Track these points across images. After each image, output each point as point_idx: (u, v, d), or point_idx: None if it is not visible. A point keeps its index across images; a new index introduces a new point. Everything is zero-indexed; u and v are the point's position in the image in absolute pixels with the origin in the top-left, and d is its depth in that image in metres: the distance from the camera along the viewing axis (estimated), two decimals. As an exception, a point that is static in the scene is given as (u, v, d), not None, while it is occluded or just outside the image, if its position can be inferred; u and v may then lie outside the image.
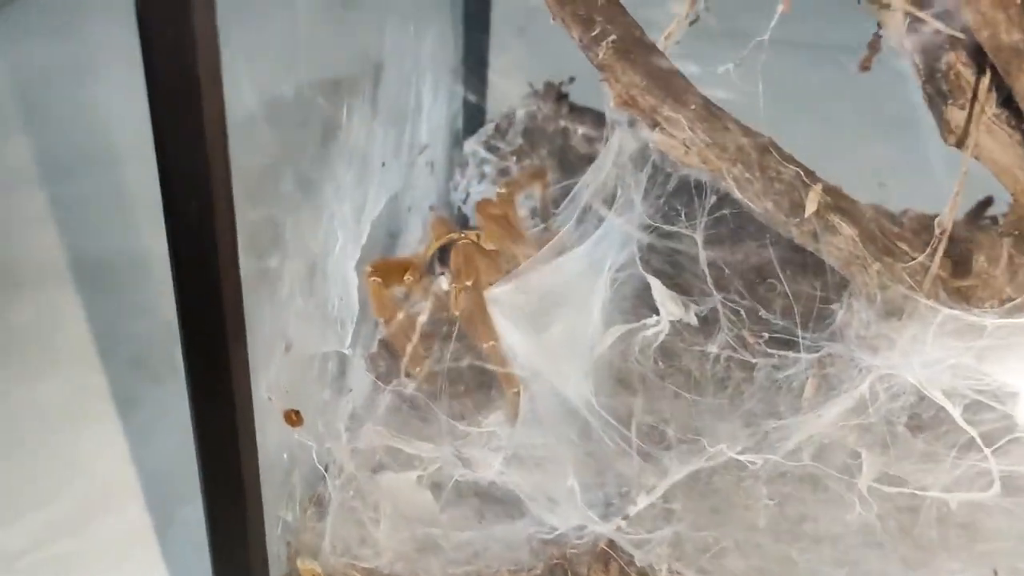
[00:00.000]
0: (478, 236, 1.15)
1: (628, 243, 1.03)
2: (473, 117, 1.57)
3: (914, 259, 0.93)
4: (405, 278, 1.11)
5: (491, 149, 1.49)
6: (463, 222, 1.47)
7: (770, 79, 0.88)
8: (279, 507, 0.90)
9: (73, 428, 1.26)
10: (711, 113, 0.90)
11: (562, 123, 1.52)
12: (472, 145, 1.50)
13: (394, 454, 1.01)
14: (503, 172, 1.46)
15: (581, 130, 1.51)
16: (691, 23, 1.16)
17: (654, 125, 0.91)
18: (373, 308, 1.08)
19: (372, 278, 1.06)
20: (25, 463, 1.21)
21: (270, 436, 0.86)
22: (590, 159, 1.53)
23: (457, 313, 1.08)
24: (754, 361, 1.03)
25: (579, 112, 1.54)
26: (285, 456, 0.92)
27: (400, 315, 1.09)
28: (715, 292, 1.02)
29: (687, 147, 0.90)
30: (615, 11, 0.88)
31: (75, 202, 1.65)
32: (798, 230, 0.92)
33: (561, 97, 1.55)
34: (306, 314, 0.93)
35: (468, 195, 1.47)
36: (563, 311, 1.07)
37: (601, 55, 0.89)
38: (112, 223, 1.59)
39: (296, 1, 0.93)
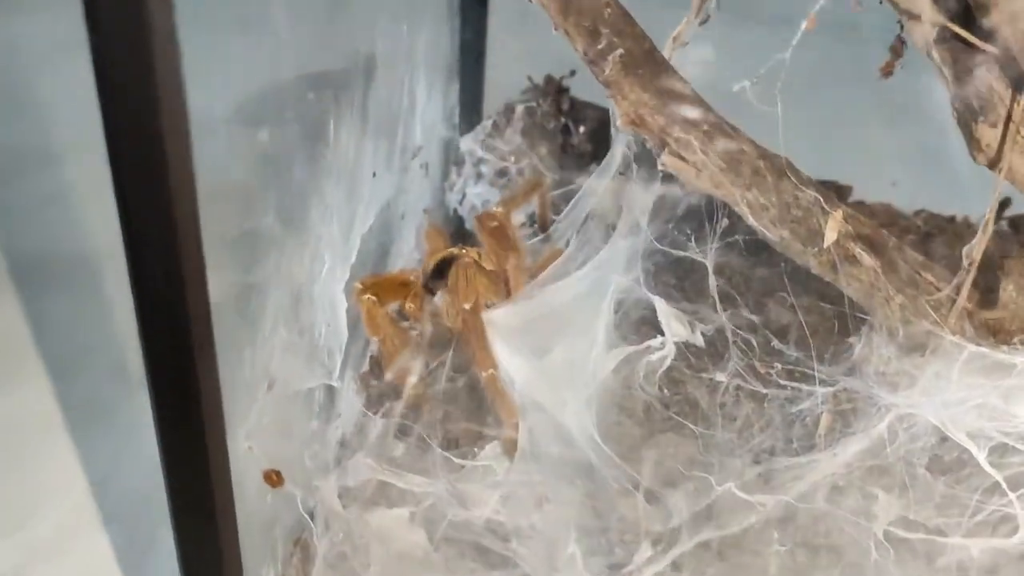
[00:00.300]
0: (479, 254, 1.09)
1: (633, 265, 0.97)
2: (470, 110, 1.50)
3: (939, 290, 0.87)
4: (407, 306, 1.04)
5: (488, 148, 1.42)
6: (459, 224, 1.41)
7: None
8: (261, 562, 0.84)
9: (47, 441, 1.21)
10: (725, 133, 0.84)
11: (563, 120, 1.45)
12: (469, 144, 1.43)
13: (385, 489, 0.96)
14: (501, 173, 1.40)
15: (583, 128, 1.44)
16: (702, 23, 1.10)
17: (663, 146, 0.84)
18: (366, 328, 1.02)
19: (365, 296, 1.00)
20: (-2, 482, 1.16)
21: (249, 482, 0.80)
22: (592, 158, 1.47)
23: (454, 329, 1.03)
24: (765, 392, 0.97)
25: (581, 108, 1.47)
26: (268, 497, 0.86)
27: (395, 334, 1.03)
28: (724, 318, 0.96)
29: (698, 170, 0.84)
30: (623, 22, 0.82)
31: (34, 200, 1.57)
32: (816, 260, 0.86)
33: (562, 92, 1.48)
34: (290, 346, 0.87)
35: (464, 196, 1.41)
36: (564, 335, 1.01)
37: (607, 71, 0.82)
38: (80, 221, 1.52)
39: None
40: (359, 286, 1.00)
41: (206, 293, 0.62)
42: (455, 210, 1.42)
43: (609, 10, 0.81)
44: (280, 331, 0.85)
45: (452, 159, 1.45)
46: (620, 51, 0.81)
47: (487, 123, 1.45)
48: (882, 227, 1.39)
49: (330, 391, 0.99)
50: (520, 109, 1.46)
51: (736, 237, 0.90)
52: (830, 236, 0.83)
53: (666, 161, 0.84)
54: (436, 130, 1.37)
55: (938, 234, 1.41)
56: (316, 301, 0.93)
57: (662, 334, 1.02)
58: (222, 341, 0.65)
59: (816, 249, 0.84)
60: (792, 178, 0.84)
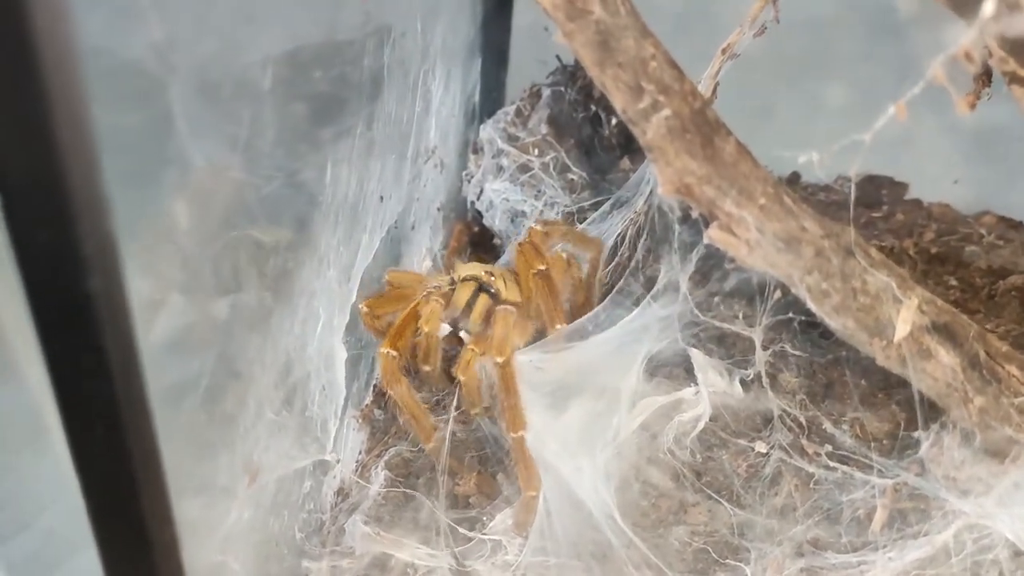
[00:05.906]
0: (516, 276, 0.98)
1: (669, 330, 0.85)
2: (492, 88, 1.36)
3: (1025, 387, 0.75)
4: (418, 338, 0.93)
5: (510, 139, 1.28)
6: (476, 219, 1.30)
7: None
8: None
9: (31, 445, 1.11)
10: (784, 209, 0.71)
11: (593, 109, 1.31)
12: (489, 132, 1.29)
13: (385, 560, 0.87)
14: (523, 168, 1.26)
15: (614, 120, 1.30)
16: (756, 35, 0.96)
17: (712, 218, 0.72)
18: (383, 380, 0.91)
19: (385, 350, 0.89)
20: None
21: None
22: (623, 151, 1.33)
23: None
24: (811, 471, 0.86)
25: (614, 95, 1.32)
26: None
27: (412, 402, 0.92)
28: (773, 394, 0.85)
29: (751, 247, 0.72)
30: (671, 78, 0.68)
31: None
32: (883, 353, 0.74)
33: (593, 75, 1.33)
34: (278, 427, 0.76)
35: (482, 191, 1.28)
36: (585, 394, 0.90)
37: (650, 133, 0.69)
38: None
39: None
40: (384, 349, 0.89)
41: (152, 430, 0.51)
42: (472, 203, 1.30)
43: (654, 63, 0.67)
44: (266, 415, 0.74)
45: (471, 147, 1.32)
46: (666, 112, 0.68)
47: (510, 109, 1.31)
48: (944, 237, 1.29)
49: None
50: (547, 93, 1.31)
51: (791, 315, 0.78)
52: (902, 330, 0.72)
53: (713, 235, 0.72)
54: (453, 120, 1.24)
55: (1004, 244, 1.29)
56: (310, 362, 0.82)
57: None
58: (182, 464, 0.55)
59: (885, 342, 0.73)
60: (861, 259, 0.72)
